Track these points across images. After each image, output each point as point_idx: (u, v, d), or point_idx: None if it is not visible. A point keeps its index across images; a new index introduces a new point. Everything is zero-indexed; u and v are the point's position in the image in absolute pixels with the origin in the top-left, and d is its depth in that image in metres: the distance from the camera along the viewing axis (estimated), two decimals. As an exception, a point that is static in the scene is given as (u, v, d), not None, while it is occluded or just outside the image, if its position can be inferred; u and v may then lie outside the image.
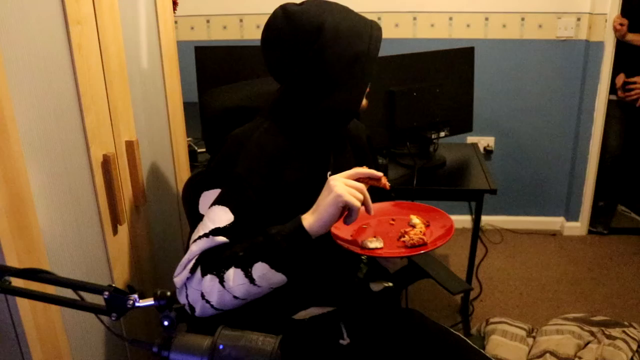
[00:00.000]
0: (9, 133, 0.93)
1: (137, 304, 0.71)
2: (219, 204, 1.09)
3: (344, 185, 1.03)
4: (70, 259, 1.17)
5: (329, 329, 1.29)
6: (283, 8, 1.16)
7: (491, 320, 2.25)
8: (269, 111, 1.22)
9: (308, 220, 1.04)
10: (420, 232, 1.15)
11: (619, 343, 2.03)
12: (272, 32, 1.16)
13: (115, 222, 1.33)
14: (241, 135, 1.16)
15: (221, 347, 0.66)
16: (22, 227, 0.97)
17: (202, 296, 1.03)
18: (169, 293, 0.69)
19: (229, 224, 1.07)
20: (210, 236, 1.06)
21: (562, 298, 2.53)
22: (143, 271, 1.52)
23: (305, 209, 1.09)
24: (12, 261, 0.94)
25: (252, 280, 1.02)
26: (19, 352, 1.00)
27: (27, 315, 0.98)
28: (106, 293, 0.71)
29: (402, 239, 1.14)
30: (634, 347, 2.03)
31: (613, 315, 2.35)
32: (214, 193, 1.12)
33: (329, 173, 1.23)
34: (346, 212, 1.05)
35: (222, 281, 1.02)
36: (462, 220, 3.22)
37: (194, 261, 1.05)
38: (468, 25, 2.89)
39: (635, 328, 2.15)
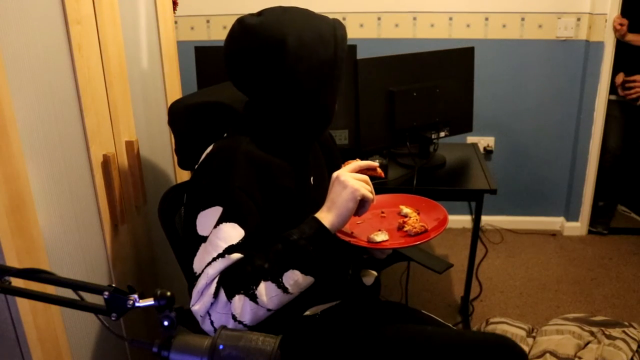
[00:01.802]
0: (9, 133, 0.93)
1: (137, 304, 0.71)
2: (225, 222, 1.04)
3: (355, 180, 1.07)
4: (70, 259, 1.17)
5: (342, 318, 1.29)
6: (240, 22, 1.11)
7: (491, 320, 2.25)
8: (244, 127, 1.19)
9: (328, 218, 1.05)
10: (416, 220, 1.19)
11: (619, 343, 2.03)
12: (234, 47, 1.12)
13: (115, 222, 1.33)
14: (227, 149, 1.12)
15: (221, 347, 0.66)
16: (22, 227, 0.97)
17: (234, 318, 1.00)
18: (169, 293, 0.69)
19: (241, 240, 1.04)
20: (226, 255, 1.02)
21: (562, 298, 2.53)
22: (143, 271, 1.52)
23: (298, 214, 1.11)
24: (12, 261, 0.94)
25: (285, 290, 1.01)
26: (19, 352, 1.00)
27: (27, 315, 0.98)
28: (106, 293, 0.71)
29: (404, 229, 1.18)
30: (634, 347, 2.03)
31: (613, 315, 2.35)
32: (214, 211, 1.06)
33: (312, 178, 1.24)
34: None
35: (254, 298, 0.99)
36: (462, 220, 3.22)
37: (214, 285, 1.01)
38: (468, 25, 2.89)
39: (635, 328, 2.15)
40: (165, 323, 0.69)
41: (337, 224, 1.06)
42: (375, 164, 1.14)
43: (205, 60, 2.36)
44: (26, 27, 1.01)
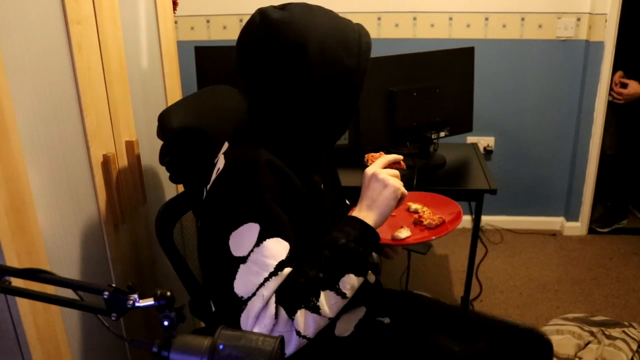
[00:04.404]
0: (9, 133, 0.93)
1: (137, 304, 0.71)
2: (268, 237, 0.98)
3: (392, 177, 1.06)
4: (70, 259, 1.17)
5: (375, 335, 1.28)
6: (262, 15, 1.03)
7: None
8: (254, 135, 1.11)
9: (370, 217, 1.05)
10: (430, 213, 1.22)
11: (619, 343, 2.03)
12: (251, 41, 1.04)
13: (115, 222, 1.33)
14: (249, 161, 1.04)
15: (221, 347, 0.66)
16: (22, 227, 0.97)
17: (298, 334, 0.96)
18: (169, 293, 0.69)
19: (289, 252, 1.00)
20: (279, 272, 0.97)
21: (562, 298, 2.53)
22: (143, 271, 1.52)
23: (315, 221, 1.09)
24: (12, 261, 0.94)
25: (343, 296, 1.00)
26: (19, 352, 1.00)
27: (27, 315, 0.98)
28: (106, 293, 0.71)
29: (423, 223, 1.21)
30: (634, 347, 2.03)
31: (613, 315, 2.35)
32: (249, 228, 0.99)
33: (322, 185, 1.22)
34: None
35: (316, 310, 0.97)
36: (462, 220, 3.21)
37: (273, 305, 0.96)
38: (468, 25, 2.89)
39: (635, 328, 2.15)
40: (165, 323, 0.68)
41: (380, 222, 1.05)
42: (400, 157, 1.13)
43: (205, 60, 2.36)
44: (26, 27, 1.01)
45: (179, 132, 1.29)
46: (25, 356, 1.00)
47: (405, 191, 1.07)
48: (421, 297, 1.43)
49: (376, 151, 1.16)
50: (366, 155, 1.15)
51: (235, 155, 1.07)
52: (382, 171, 1.07)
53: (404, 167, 1.15)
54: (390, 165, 1.11)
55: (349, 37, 1.05)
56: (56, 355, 1.08)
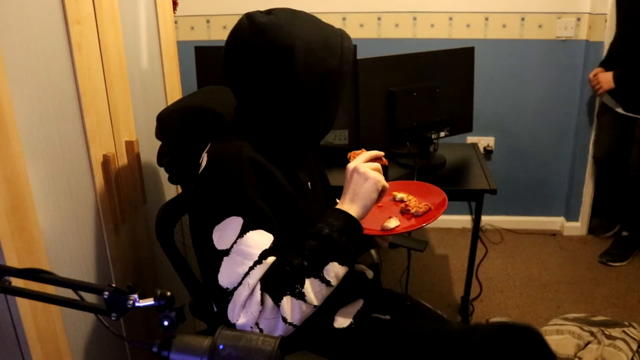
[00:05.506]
0: (9, 133, 0.93)
1: (137, 304, 0.71)
2: (252, 230, 1.01)
3: (372, 170, 1.09)
4: (70, 259, 1.17)
5: (376, 326, 1.29)
6: (250, 19, 1.08)
7: (491, 320, 2.25)
8: (239, 132, 1.14)
9: (353, 209, 1.08)
10: (416, 201, 1.23)
11: (619, 343, 2.03)
12: (238, 44, 1.08)
13: (115, 222, 1.33)
14: (231, 157, 1.07)
15: (221, 347, 0.66)
16: (22, 227, 0.97)
17: (284, 320, 0.99)
18: (169, 293, 0.69)
19: (272, 243, 1.03)
20: (263, 261, 1.00)
21: (562, 298, 2.53)
22: (143, 271, 1.52)
23: (300, 218, 1.11)
24: (12, 261, 0.94)
25: (328, 283, 1.03)
26: (19, 352, 1.00)
27: (27, 315, 0.98)
28: (106, 293, 0.71)
29: (410, 211, 1.22)
30: (634, 347, 2.03)
31: (613, 315, 2.35)
32: (232, 222, 1.02)
33: (309, 183, 1.24)
34: None
35: (301, 297, 1.00)
36: (462, 220, 3.22)
37: (258, 293, 0.99)
38: (468, 25, 2.89)
39: (635, 328, 2.15)
40: (165, 323, 0.69)
41: (363, 214, 1.09)
42: (381, 153, 1.17)
43: (205, 60, 2.36)
44: (26, 27, 1.01)
45: (182, 111, 1.31)
46: (25, 356, 1.00)
47: (386, 184, 1.11)
48: (420, 304, 1.44)
49: (359, 149, 1.20)
50: (349, 154, 1.19)
51: (217, 151, 1.10)
52: (363, 165, 1.11)
53: (386, 162, 1.18)
54: (373, 160, 1.15)
55: (332, 40, 1.10)
56: (56, 355, 1.08)
